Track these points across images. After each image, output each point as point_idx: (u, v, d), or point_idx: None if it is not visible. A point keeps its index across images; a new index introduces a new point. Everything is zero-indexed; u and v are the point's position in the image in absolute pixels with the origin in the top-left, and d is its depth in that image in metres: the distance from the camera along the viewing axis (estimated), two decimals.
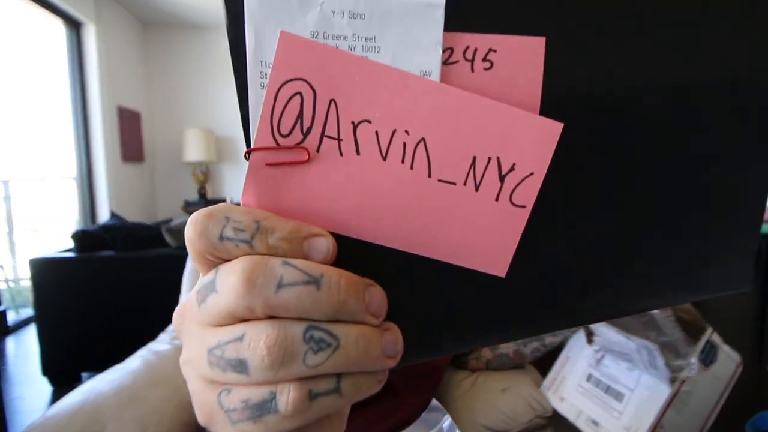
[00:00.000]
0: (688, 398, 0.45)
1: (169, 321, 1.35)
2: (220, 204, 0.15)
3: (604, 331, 0.57)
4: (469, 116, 0.14)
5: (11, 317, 2.92)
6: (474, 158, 0.15)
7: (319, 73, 0.14)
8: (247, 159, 0.15)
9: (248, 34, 0.13)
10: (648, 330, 0.51)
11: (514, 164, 0.15)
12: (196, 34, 4.83)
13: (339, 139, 0.14)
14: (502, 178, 0.15)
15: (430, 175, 0.15)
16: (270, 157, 0.14)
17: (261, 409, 0.14)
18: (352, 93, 0.14)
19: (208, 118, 4.90)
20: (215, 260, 0.15)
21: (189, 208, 4.63)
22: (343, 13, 0.13)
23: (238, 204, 0.15)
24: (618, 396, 0.50)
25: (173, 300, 1.37)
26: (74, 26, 3.54)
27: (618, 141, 0.17)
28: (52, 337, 1.99)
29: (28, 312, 3.00)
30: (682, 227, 0.20)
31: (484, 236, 0.16)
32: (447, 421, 0.67)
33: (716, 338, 0.52)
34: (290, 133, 0.14)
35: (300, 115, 0.14)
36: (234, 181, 5.04)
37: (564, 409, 0.58)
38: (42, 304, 1.97)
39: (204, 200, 4.69)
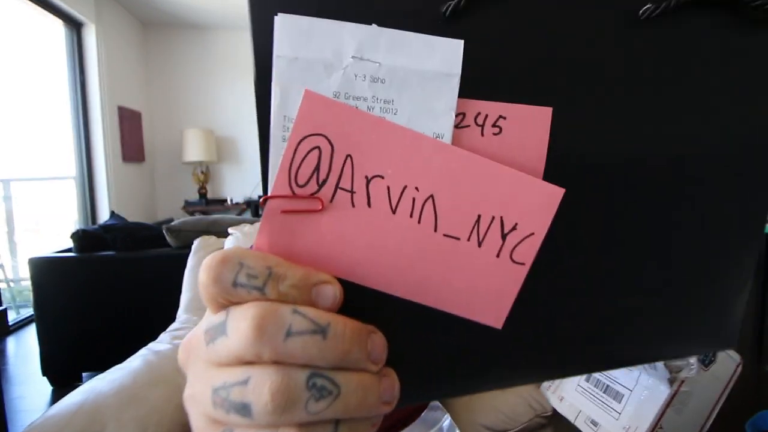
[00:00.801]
0: (688, 398, 0.45)
1: (169, 321, 1.35)
2: (233, 248, 0.15)
3: None
4: (476, 177, 0.15)
5: (11, 317, 2.93)
6: (479, 216, 0.16)
7: (338, 129, 0.14)
8: (263, 206, 0.15)
9: (274, 90, 0.14)
10: None
11: (516, 224, 0.16)
12: (196, 34, 4.83)
13: (352, 192, 0.15)
14: (504, 236, 0.16)
15: (436, 230, 0.16)
16: (286, 205, 0.15)
17: None
18: (368, 150, 0.15)
19: (208, 118, 4.90)
20: (227, 303, 0.16)
21: (189, 208, 4.64)
22: (365, 77, 0.14)
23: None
24: (617, 396, 0.50)
25: (173, 300, 1.37)
26: (74, 26, 3.54)
27: (616, 204, 0.18)
28: (52, 337, 1.99)
29: (29, 312, 3.00)
30: (677, 289, 0.20)
31: (483, 289, 0.17)
32: (447, 421, 0.67)
33: None
34: (307, 183, 0.15)
35: (317, 167, 0.15)
36: (234, 181, 5.04)
37: (563, 409, 0.58)
38: (42, 304, 1.97)
39: (204, 200, 4.69)
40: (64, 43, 3.50)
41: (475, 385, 0.18)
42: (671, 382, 0.42)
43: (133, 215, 4.02)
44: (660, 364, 0.42)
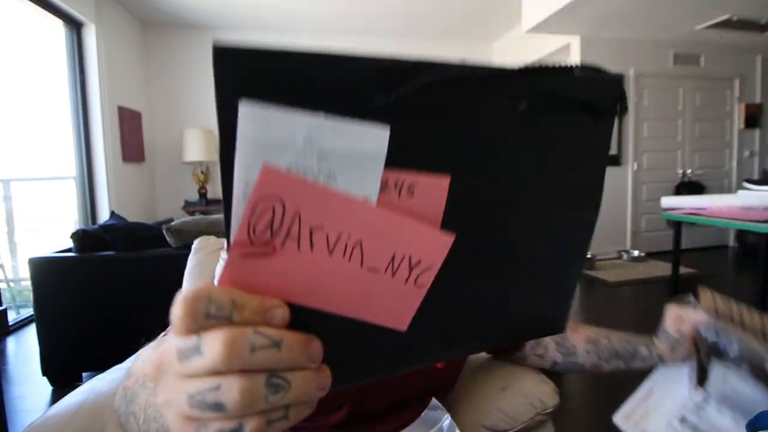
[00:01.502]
0: None
1: (169, 321, 1.36)
2: (201, 286, 0.19)
3: (728, 376, 0.52)
4: (392, 228, 0.21)
5: (11, 317, 2.93)
6: (394, 255, 0.21)
7: (289, 194, 0.18)
8: (226, 251, 0.19)
9: (237, 162, 0.18)
10: None
11: (420, 260, 0.22)
12: (196, 34, 4.82)
13: (299, 239, 0.19)
14: (411, 269, 0.22)
15: (362, 265, 0.21)
16: (245, 251, 0.19)
17: None
18: (313, 209, 0.19)
19: (208, 118, 4.89)
20: (198, 329, 0.19)
21: (189, 208, 4.63)
22: (312, 155, 0.18)
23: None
24: None
25: (173, 300, 1.37)
26: (74, 26, 3.54)
27: (487, 238, 0.25)
28: (52, 337, 1.99)
29: (29, 312, 3.00)
30: (530, 292, 0.30)
31: (395, 305, 0.23)
32: (447, 421, 0.67)
33: None
34: (262, 234, 0.19)
35: (271, 222, 0.19)
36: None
37: None
38: (42, 304, 1.97)
39: (204, 200, 4.69)
40: (64, 43, 3.50)
41: (386, 369, 0.26)
42: None
43: (133, 215, 4.02)
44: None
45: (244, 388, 0.18)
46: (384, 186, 0.20)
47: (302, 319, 0.21)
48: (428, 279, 0.23)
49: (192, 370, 0.19)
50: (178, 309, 0.19)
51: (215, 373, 0.18)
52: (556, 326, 0.32)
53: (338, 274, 0.21)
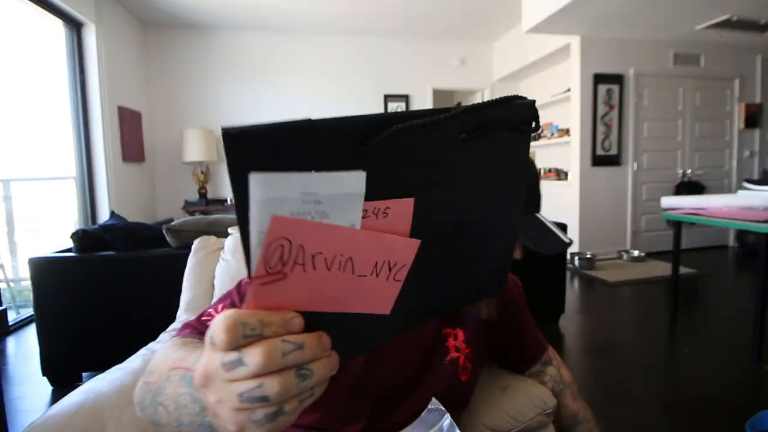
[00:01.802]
0: None
1: (169, 321, 1.34)
2: (233, 314, 0.25)
3: None
4: (374, 243, 0.27)
5: (11, 317, 2.93)
6: (376, 263, 0.28)
7: (293, 233, 0.24)
8: (250, 282, 0.25)
9: (252, 216, 0.23)
10: None
11: (396, 262, 0.29)
12: (196, 34, 4.83)
13: (304, 264, 0.25)
14: (390, 269, 0.29)
15: (353, 273, 0.27)
16: (263, 280, 0.25)
17: (276, 415, 0.26)
18: (312, 240, 0.25)
19: (208, 118, 4.90)
20: (236, 346, 0.25)
21: (189, 208, 4.64)
22: (309, 202, 0.24)
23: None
24: None
25: (173, 300, 1.37)
26: (74, 26, 3.54)
27: (443, 239, 0.33)
28: (52, 337, 1.99)
29: (29, 312, 3.00)
30: (471, 274, 0.40)
31: (380, 297, 0.30)
32: (447, 420, 0.67)
33: None
34: (276, 265, 0.25)
35: (281, 256, 0.24)
36: None
37: None
38: (42, 304, 1.97)
39: (204, 200, 4.69)
40: (64, 43, 3.50)
41: (379, 341, 0.34)
42: None
43: (133, 215, 4.02)
44: None
45: (282, 383, 0.25)
46: (365, 214, 0.26)
47: (313, 320, 0.27)
48: (403, 274, 0.30)
49: (238, 376, 0.25)
50: (221, 335, 0.25)
51: (257, 376, 0.25)
52: (494, 291, 0.43)
53: (335, 284, 0.27)
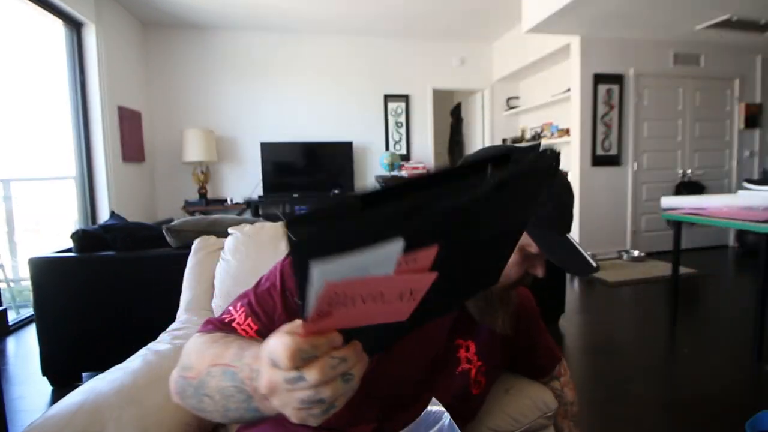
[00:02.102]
0: None
1: (169, 321, 1.34)
2: (292, 343, 0.32)
3: None
4: (400, 281, 0.33)
5: (11, 317, 2.93)
6: (401, 292, 0.34)
7: (342, 289, 0.30)
8: (304, 324, 0.32)
9: (310, 285, 0.28)
10: None
11: (415, 288, 0.34)
12: (196, 34, 4.82)
13: (345, 305, 0.31)
14: (410, 293, 0.34)
15: (382, 302, 0.33)
16: (315, 319, 0.31)
17: (328, 410, 0.34)
18: (355, 290, 0.31)
19: (208, 118, 4.90)
20: (297, 367, 0.33)
21: (189, 208, 4.63)
22: (354, 270, 0.29)
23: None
24: None
25: (173, 300, 1.37)
26: (74, 26, 3.54)
27: (453, 266, 0.39)
28: (52, 337, 1.99)
29: (29, 312, 3.00)
30: (472, 282, 0.48)
31: (399, 312, 0.36)
32: (447, 420, 0.67)
33: None
34: (324, 309, 0.31)
35: (329, 303, 0.30)
36: (234, 181, 5.04)
37: None
38: (42, 304, 1.97)
39: (204, 200, 4.69)
40: (64, 43, 3.50)
41: (396, 339, 0.44)
42: None
43: (133, 215, 4.02)
44: None
45: (332, 389, 0.33)
46: (397, 264, 0.31)
47: (348, 335, 0.35)
48: (419, 295, 0.35)
49: (297, 388, 0.33)
50: (284, 361, 0.32)
51: (314, 387, 0.33)
52: (492, 281, 0.53)
53: (367, 310, 0.33)
